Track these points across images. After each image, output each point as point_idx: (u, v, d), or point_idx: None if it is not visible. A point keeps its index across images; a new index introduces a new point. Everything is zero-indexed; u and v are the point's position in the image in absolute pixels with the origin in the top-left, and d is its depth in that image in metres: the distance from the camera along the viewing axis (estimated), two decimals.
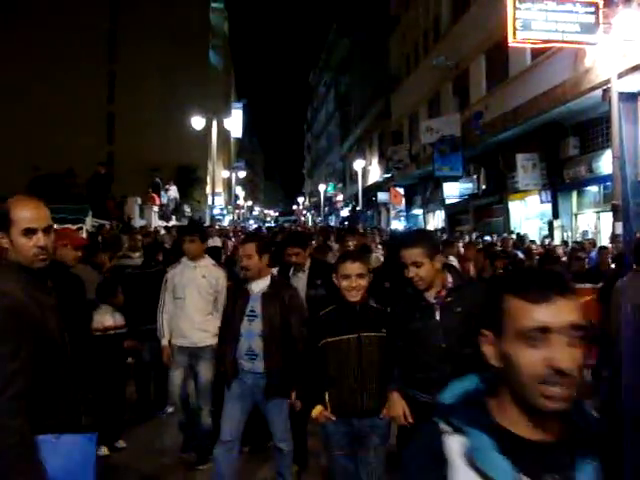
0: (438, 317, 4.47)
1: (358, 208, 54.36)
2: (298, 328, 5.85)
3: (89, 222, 19.69)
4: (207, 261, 7.37)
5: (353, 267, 4.80)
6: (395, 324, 4.77)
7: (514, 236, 22.33)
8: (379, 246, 17.93)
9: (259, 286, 5.96)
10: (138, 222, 25.66)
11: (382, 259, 11.78)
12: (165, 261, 10.72)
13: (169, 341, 7.27)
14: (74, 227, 17.22)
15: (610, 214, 16.42)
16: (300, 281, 7.28)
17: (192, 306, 7.05)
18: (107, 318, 7.78)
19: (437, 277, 4.53)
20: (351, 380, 4.76)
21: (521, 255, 15.31)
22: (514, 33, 16.29)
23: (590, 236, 20.33)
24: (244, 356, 5.87)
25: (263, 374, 5.83)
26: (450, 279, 4.60)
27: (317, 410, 4.90)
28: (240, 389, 5.93)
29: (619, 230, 14.83)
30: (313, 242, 16.78)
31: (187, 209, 40.98)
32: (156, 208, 30.30)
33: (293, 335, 5.86)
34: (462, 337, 4.22)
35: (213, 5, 71.72)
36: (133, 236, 13.38)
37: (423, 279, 4.47)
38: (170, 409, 8.07)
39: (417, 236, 5.02)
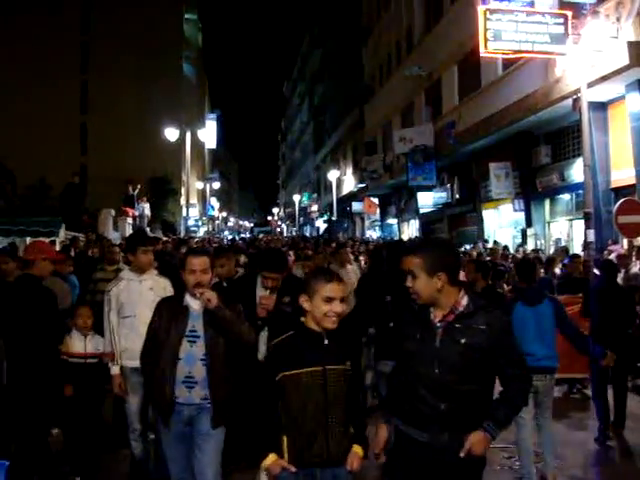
0: (438, 343, 3.91)
1: (333, 218, 54.42)
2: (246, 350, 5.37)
3: (62, 234, 19.52)
4: (151, 272, 6.76)
5: (339, 289, 4.08)
6: (392, 339, 4.31)
7: (489, 245, 22.52)
8: (360, 257, 17.93)
9: (198, 303, 5.08)
10: (112, 234, 25.50)
11: (358, 273, 11.54)
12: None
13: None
14: (47, 240, 17.14)
15: (582, 222, 16.59)
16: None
17: (144, 323, 5.81)
18: (81, 343, 7.03)
19: (444, 297, 3.96)
20: (314, 422, 4.01)
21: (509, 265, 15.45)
22: (485, 44, 16.42)
23: (563, 244, 20.51)
24: (181, 384, 5.00)
25: (199, 406, 5.02)
26: (464, 302, 3.96)
27: (270, 459, 4.07)
28: (178, 427, 5.07)
29: (591, 237, 14.98)
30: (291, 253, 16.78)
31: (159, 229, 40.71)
32: (130, 220, 30.13)
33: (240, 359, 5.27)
34: (462, 372, 3.84)
35: (187, 16, 71.61)
36: (111, 248, 12.60)
37: (417, 293, 3.97)
38: (152, 435, 6.94)
39: (421, 244, 4.53)
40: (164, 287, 6.60)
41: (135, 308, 6.46)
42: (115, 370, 6.46)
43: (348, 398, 4.10)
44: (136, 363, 5.81)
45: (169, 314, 5.14)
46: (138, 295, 6.52)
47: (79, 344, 7.02)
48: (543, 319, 6.97)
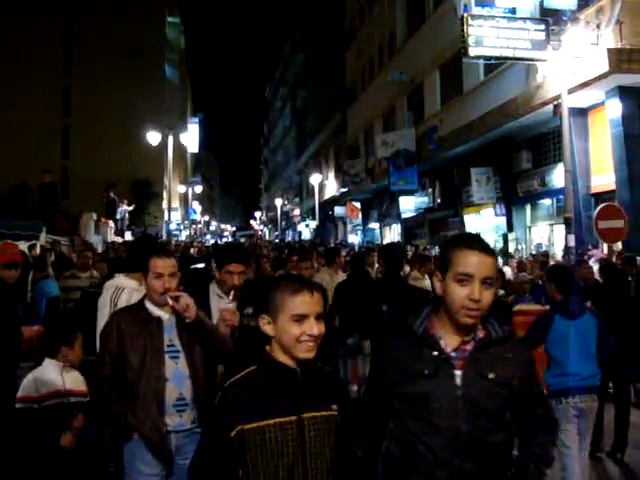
0: (459, 381, 2.84)
1: (316, 222, 54.39)
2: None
3: (43, 238, 19.39)
4: None
5: (313, 302, 2.89)
6: (384, 375, 3.03)
7: None
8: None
9: (166, 312, 4.43)
10: (94, 238, 25.36)
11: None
12: None
13: None
14: (27, 243, 17.03)
15: (563, 226, 16.67)
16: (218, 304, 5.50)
17: None
18: (52, 378, 5.26)
19: None
20: None
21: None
22: (467, 49, 16.50)
23: (544, 248, 20.61)
24: (172, 408, 4.26)
25: (190, 431, 4.32)
26: (480, 323, 2.97)
27: None
28: (162, 466, 4.29)
29: (572, 242, 15.06)
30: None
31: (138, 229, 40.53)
32: (112, 224, 29.98)
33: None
34: (493, 417, 2.88)
35: (169, 19, 71.49)
36: (83, 253, 12.27)
37: (483, 310, 2.88)
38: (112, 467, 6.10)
39: (478, 239, 3.02)
40: None
41: None
42: None
43: (336, 456, 2.92)
44: None
45: (136, 328, 4.35)
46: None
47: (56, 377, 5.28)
48: (586, 333, 6.23)
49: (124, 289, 5.66)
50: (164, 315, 4.44)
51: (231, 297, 5.43)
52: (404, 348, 2.99)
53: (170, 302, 4.30)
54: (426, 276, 11.00)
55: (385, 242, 33.30)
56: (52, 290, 10.39)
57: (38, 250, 16.23)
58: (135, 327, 4.36)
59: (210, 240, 66.22)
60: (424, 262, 11.68)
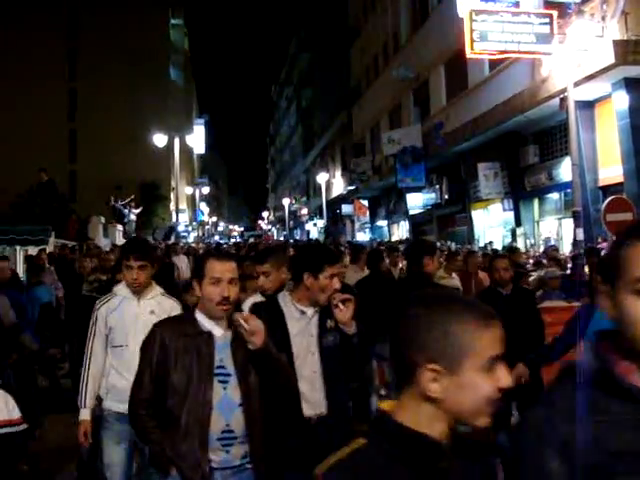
0: None
1: (323, 221, 54.38)
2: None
3: (52, 242, 19.49)
4: (155, 290, 5.19)
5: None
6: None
7: (478, 246, 22.45)
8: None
9: (220, 326, 3.74)
10: (103, 241, 25.47)
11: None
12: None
13: (99, 407, 5.14)
14: (36, 248, 17.10)
15: (571, 220, 16.61)
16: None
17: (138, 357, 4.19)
18: None
19: None
20: None
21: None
22: (471, 44, 16.47)
23: (552, 243, 20.54)
24: (215, 442, 3.64)
25: (238, 468, 3.73)
26: None
27: None
28: None
29: (580, 236, 15.00)
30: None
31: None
32: (120, 227, 30.11)
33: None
34: None
35: (173, 22, 71.66)
36: (104, 256, 12.05)
37: None
38: None
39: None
40: (169, 311, 5.00)
41: (128, 336, 4.98)
42: (85, 415, 5.01)
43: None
44: (124, 407, 4.25)
45: (183, 343, 3.69)
46: (134, 319, 5.00)
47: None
48: None
49: (115, 297, 5.12)
50: (217, 330, 3.73)
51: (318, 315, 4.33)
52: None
53: (239, 321, 3.55)
54: (454, 275, 10.15)
55: (393, 239, 33.23)
56: (44, 296, 10.37)
57: (47, 253, 16.31)
58: (181, 342, 3.70)
59: (219, 241, 66.27)
60: (450, 259, 10.69)
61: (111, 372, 5.09)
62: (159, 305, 5.11)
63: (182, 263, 17.60)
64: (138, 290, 5.07)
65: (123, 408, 4.39)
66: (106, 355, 5.10)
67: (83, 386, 5.09)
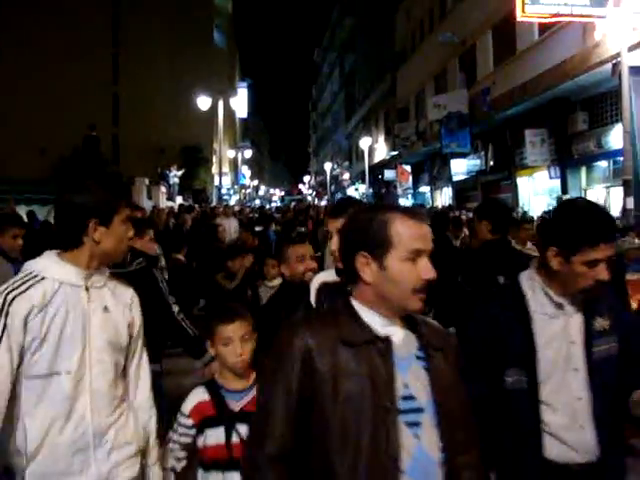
0: None
1: (365, 186, 54.22)
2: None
3: None
4: (103, 271, 3.07)
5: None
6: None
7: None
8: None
9: (400, 326, 2.36)
10: (146, 203, 25.68)
11: None
12: (194, 254, 10.17)
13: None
14: None
15: (620, 189, 16.36)
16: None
17: (89, 389, 2.88)
18: None
19: None
20: None
21: None
22: (523, 7, 16.17)
23: None
24: None
25: None
26: None
27: None
28: None
29: (630, 205, 14.79)
30: None
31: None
32: (164, 189, 30.34)
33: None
34: None
35: None
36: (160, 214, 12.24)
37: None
38: None
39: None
40: (130, 303, 3.19)
41: (73, 353, 2.86)
42: None
43: None
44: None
45: (346, 359, 2.25)
46: (82, 321, 2.90)
47: None
48: None
49: (44, 281, 2.84)
50: (396, 333, 2.32)
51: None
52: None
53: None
54: (529, 244, 9.01)
55: (436, 205, 33.04)
56: None
57: None
58: (343, 355, 2.24)
59: (259, 204, 66.50)
60: (521, 225, 9.32)
61: (32, 423, 2.79)
62: (114, 296, 3.08)
63: (232, 225, 17.44)
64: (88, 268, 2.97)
65: None
66: (17, 390, 2.79)
67: None
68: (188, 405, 3.56)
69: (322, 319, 2.45)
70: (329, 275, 3.73)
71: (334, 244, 3.38)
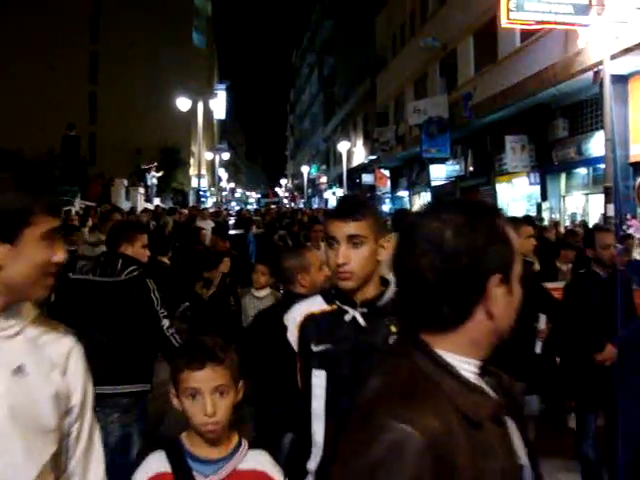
0: None
1: (343, 190, 54.26)
2: None
3: (77, 204, 19.51)
4: (24, 312, 2.00)
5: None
6: None
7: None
8: None
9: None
10: (124, 204, 25.48)
11: None
12: (177, 257, 9.96)
13: None
14: (63, 208, 17.08)
15: (599, 196, 16.42)
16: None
17: None
18: None
19: None
20: None
21: None
22: (507, 14, 16.19)
23: (579, 218, 20.37)
24: None
25: None
26: None
27: None
28: None
29: (611, 212, 14.83)
30: None
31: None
32: (142, 190, 30.13)
33: None
34: None
35: None
36: (111, 215, 11.49)
37: None
38: None
39: None
40: (64, 365, 2.10)
41: None
42: None
43: None
44: None
45: (475, 445, 1.48)
46: None
47: None
48: None
49: None
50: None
51: None
52: None
53: None
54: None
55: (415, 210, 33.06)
56: None
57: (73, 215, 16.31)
58: (473, 444, 1.49)
59: (235, 207, 66.28)
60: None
61: None
62: (35, 352, 2.03)
63: (208, 227, 17.37)
64: None
65: None
66: None
67: None
68: (139, 478, 2.56)
69: (409, 389, 1.50)
70: (313, 303, 3.02)
71: (342, 256, 2.81)
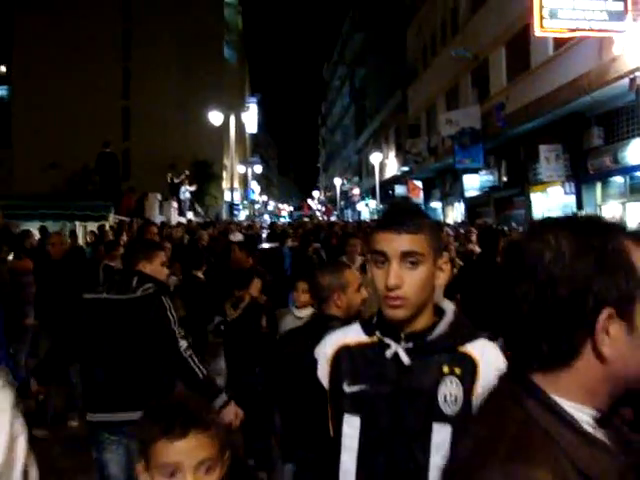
0: None
1: (375, 202, 54.18)
2: None
3: (111, 219, 19.59)
4: None
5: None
6: None
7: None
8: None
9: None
10: (158, 218, 25.58)
11: None
12: (211, 271, 9.85)
13: None
14: (96, 224, 17.19)
15: (637, 204, 16.16)
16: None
17: None
18: None
19: None
20: None
21: None
22: (541, 22, 16.02)
23: None
24: None
25: None
26: None
27: None
28: None
29: None
30: None
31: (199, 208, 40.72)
32: (175, 204, 30.25)
33: None
34: None
35: (227, 0, 71.61)
36: (148, 228, 11.22)
37: None
38: None
39: None
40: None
41: None
42: None
43: None
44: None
45: None
46: None
47: None
48: None
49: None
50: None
51: None
52: None
53: None
54: None
55: (448, 222, 32.85)
56: None
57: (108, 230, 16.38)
58: None
59: (268, 220, 66.44)
60: None
61: None
62: None
63: (236, 240, 17.28)
64: None
65: None
66: None
67: None
68: None
69: (521, 442, 1.31)
70: (349, 332, 2.59)
71: (393, 277, 2.27)
